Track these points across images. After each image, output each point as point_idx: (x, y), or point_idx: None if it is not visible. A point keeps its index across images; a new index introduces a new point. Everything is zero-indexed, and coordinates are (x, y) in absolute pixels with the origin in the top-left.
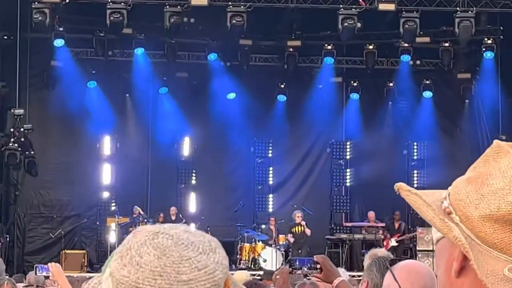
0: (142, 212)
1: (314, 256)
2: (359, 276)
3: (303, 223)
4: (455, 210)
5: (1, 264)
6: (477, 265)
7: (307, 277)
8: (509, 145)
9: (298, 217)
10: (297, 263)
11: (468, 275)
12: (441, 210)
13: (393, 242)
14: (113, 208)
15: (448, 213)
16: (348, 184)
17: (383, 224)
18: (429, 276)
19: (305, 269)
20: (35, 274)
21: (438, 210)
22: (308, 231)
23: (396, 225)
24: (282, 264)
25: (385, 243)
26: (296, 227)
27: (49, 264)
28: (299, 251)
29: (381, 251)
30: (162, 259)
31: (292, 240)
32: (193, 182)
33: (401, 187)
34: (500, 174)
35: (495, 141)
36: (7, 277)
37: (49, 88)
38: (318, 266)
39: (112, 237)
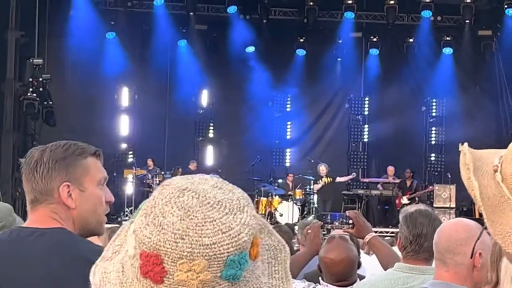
0: (152, 167)
1: (347, 212)
2: (375, 231)
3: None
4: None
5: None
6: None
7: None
8: None
9: (323, 170)
10: (329, 217)
11: None
12: None
13: (404, 200)
14: (130, 160)
15: (494, 170)
16: (365, 140)
17: (399, 181)
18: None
19: (337, 223)
20: None
21: None
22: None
23: (408, 183)
24: (298, 219)
25: (397, 201)
26: (326, 178)
27: None
28: (325, 203)
29: (412, 207)
30: (185, 220)
31: (317, 189)
32: (211, 135)
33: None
34: None
35: None
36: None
37: (68, 38)
38: (351, 221)
39: (129, 189)
